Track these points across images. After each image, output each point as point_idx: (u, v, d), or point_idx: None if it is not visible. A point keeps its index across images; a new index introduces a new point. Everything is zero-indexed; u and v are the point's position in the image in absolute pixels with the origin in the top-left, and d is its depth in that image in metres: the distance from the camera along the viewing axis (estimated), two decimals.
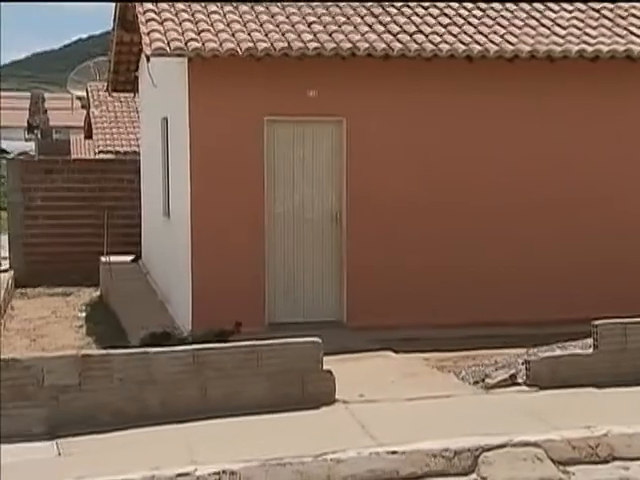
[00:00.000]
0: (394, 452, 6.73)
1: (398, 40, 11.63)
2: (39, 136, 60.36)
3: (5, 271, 20.17)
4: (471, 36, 11.95)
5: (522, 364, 8.90)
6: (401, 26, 12.02)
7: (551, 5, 13.04)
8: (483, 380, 8.90)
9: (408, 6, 12.66)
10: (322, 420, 7.72)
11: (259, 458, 6.56)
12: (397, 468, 6.67)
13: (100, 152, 25.70)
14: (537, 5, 13.01)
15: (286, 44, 11.21)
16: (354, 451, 6.72)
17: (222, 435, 7.28)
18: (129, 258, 18.04)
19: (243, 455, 6.61)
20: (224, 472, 6.41)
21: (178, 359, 7.82)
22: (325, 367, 8.14)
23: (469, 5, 12.84)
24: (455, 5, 12.79)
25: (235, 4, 12.15)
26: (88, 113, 31.00)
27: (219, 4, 12.15)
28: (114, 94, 21.91)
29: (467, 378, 9.12)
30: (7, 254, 21.11)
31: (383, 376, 9.41)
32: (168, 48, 10.99)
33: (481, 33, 12.06)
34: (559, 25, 12.51)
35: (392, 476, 6.64)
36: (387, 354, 10.43)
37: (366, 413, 7.81)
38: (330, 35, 11.55)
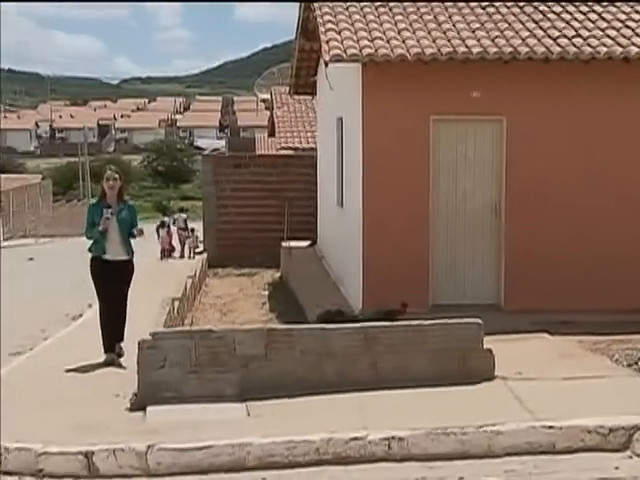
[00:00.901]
0: (551, 427, 6.56)
1: (557, 44, 11.29)
2: (229, 134, 62.01)
3: (200, 253, 20.92)
4: (629, 38, 11.46)
5: None
6: (560, 30, 11.67)
7: None
8: (636, 363, 8.57)
9: (567, 11, 12.30)
10: (482, 394, 7.61)
11: (425, 426, 6.53)
12: (554, 442, 6.51)
13: (282, 148, 26.13)
14: None
15: (452, 49, 11.08)
16: (513, 424, 6.59)
17: (391, 404, 7.29)
18: (306, 243, 18.30)
19: (410, 423, 6.60)
20: (392, 438, 6.42)
21: (352, 335, 7.87)
22: (485, 346, 8.02)
23: (627, 9, 12.32)
24: (613, 10, 12.30)
25: (406, 13, 12.10)
26: (272, 114, 31.61)
27: (390, 14, 12.14)
28: (295, 96, 22.26)
29: (620, 361, 8.80)
30: (202, 238, 21.87)
31: (539, 356, 9.18)
32: (344, 54, 11.06)
33: (639, 35, 11.55)
34: None
35: (548, 449, 6.49)
36: (543, 336, 10.17)
37: (523, 389, 7.65)
38: (493, 40, 11.33)
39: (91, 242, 9.12)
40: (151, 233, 28.24)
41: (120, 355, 8.96)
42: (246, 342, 7.64)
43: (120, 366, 8.77)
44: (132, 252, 9.17)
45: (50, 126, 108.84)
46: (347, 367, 7.78)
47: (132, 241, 9.21)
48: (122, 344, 9.02)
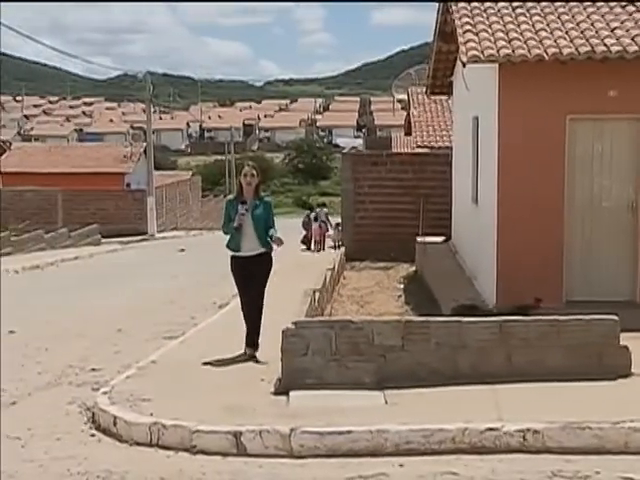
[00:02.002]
0: None
1: None
2: (366, 133, 62.16)
3: (339, 247, 21.05)
4: None
5: None
6: None
7: None
8: None
9: None
10: (618, 390, 7.35)
11: (560, 420, 6.37)
12: None
13: (417, 147, 25.99)
14: None
15: (590, 48, 10.73)
16: None
17: (526, 397, 7.14)
18: (440, 239, 18.12)
19: (546, 416, 6.46)
20: (528, 430, 6.30)
21: (486, 328, 7.75)
22: (621, 343, 7.74)
23: None
24: None
25: (543, 14, 11.80)
26: (408, 113, 31.49)
27: (528, 14, 11.86)
28: (431, 97, 22.08)
29: None
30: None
31: None
32: (482, 55, 10.89)
33: None
34: None
35: None
36: None
37: None
38: (632, 39, 10.90)
39: (228, 238, 8.90)
40: (292, 227, 28.73)
41: (256, 347, 8.75)
42: (384, 333, 7.64)
43: (257, 362, 8.57)
44: (269, 246, 8.77)
45: (200, 126, 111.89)
46: (481, 360, 7.68)
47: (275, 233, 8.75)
48: (258, 339, 8.79)
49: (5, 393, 8.19)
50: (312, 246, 25.71)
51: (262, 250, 8.76)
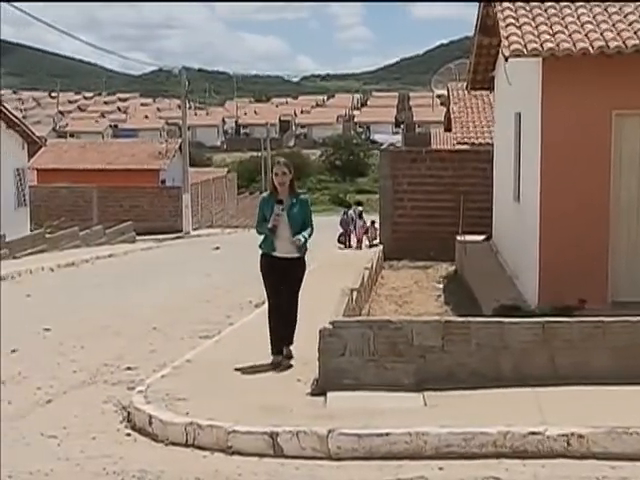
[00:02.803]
0: None
1: None
2: (405, 130, 62.03)
3: (376, 245, 21.03)
4: None
5: None
6: None
7: None
8: None
9: None
10: None
11: (606, 425, 6.30)
12: None
13: (458, 143, 25.84)
14: None
15: (638, 42, 10.59)
16: None
17: (570, 401, 7.07)
18: (481, 238, 18.01)
19: (590, 421, 6.39)
20: (572, 434, 6.24)
21: (529, 329, 7.68)
22: None
23: None
24: None
25: (589, 6, 11.66)
26: (448, 109, 31.33)
27: (573, 7, 11.74)
28: (472, 92, 21.95)
29: None
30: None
31: None
32: (525, 49, 10.81)
33: None
34: None
35: None
36: None
37: None
38: None
39: (261, 238, 8.58)
40: (328, 225, 28.73)
41: (290, 357, 8.51)
42: (423, 333, 7.61)
43: (289, 367, 8.35)
44: (305, 249, 8.50)
45: (235, 122, 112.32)
46: (523, 361, 7.61)
47: (305, 237, 8.42)
48: (292, 347, 8.56)
49: (40, 391, 8.30)
50: (354, 244, 25.82)
51: (296, 255, 8.47)
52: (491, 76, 16.95)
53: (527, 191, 12.64)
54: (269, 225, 8.36)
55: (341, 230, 26.80)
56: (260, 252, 8.63)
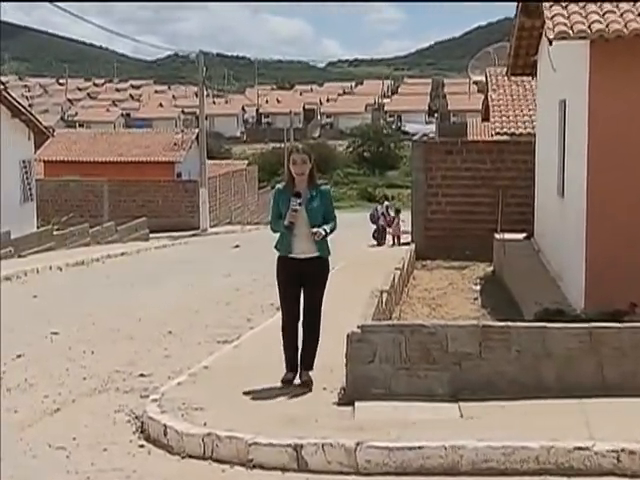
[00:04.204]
0: None
1: None
2: (439, 119, 61.86)
3: (407, 244, 21.00)
4: None
5: None
6: None
7: None
8: None
9: None
10: None
11: None
12: None
13: (496, 134, 25.74)
14: None
15: None
16: None
17: (619, 414, 7.01)
18: (521, 236, 17.95)
19: None
20: (622, 450, 6.18)
21: (574, 336, 7.63)
22: None
23: None
24: None
25: None
26: (486, 97, 31.15)
27: None
28: (512, 78, 21.86)
29: None
30: (408, 228, 21.94)
31: None
32: (571, 31, 10.75)
33: None
34: None
35: None
36: None
37: None
38: None
39: (277, 237, 8.04)
40: (356, 223, 28.74)
41: (308, 384, 7.88)
42: (459, 339, 7.59)
43: (302, 394, 7.74)
44: (327, 249, 7.96)
45: (256, 111, 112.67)
46: (568, 370, 7.56)
47: (326, 231, 7.86)
48: (311, 372, 7.98)
49: (48, 399, 8.36)
50: (390, 241, 26.11)
51: (317, 255, 7.90)
52: (533, 61, 16.88)
53: (572, 186, 12.58)
54: (285, 222, 7.79)
55: (374, 227, 27.11)
56: (277, 254, 8.09)
